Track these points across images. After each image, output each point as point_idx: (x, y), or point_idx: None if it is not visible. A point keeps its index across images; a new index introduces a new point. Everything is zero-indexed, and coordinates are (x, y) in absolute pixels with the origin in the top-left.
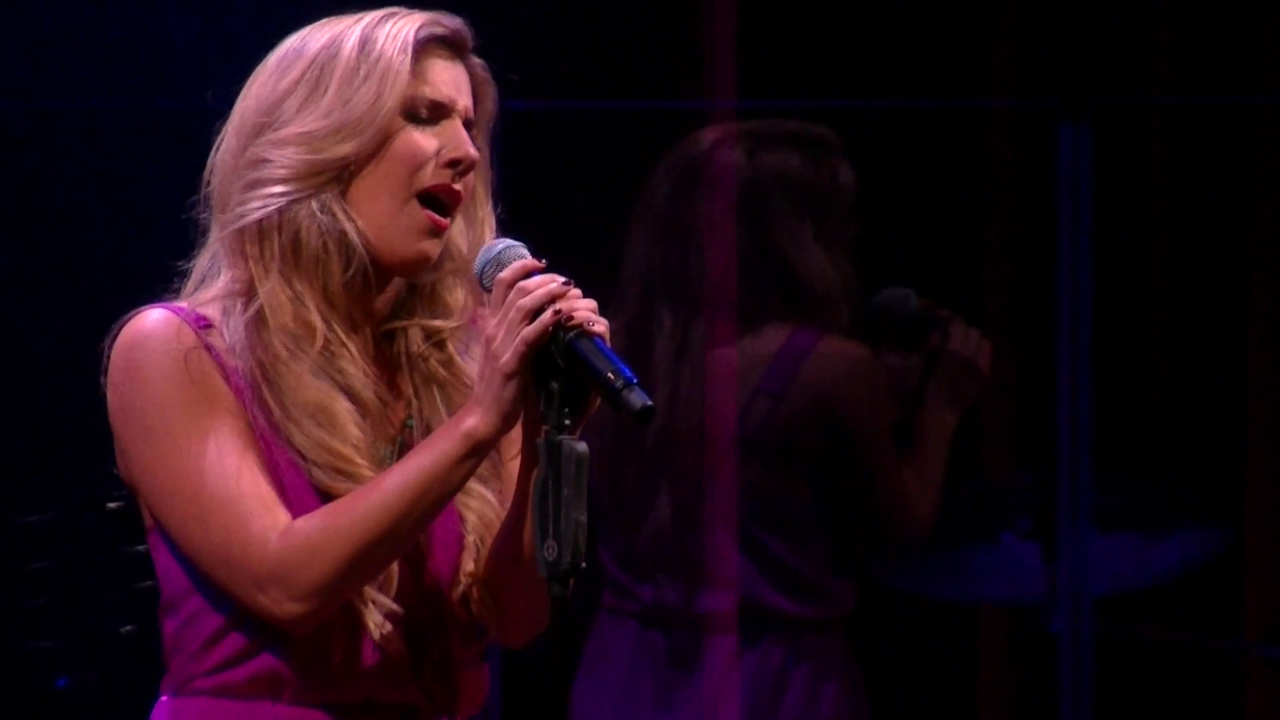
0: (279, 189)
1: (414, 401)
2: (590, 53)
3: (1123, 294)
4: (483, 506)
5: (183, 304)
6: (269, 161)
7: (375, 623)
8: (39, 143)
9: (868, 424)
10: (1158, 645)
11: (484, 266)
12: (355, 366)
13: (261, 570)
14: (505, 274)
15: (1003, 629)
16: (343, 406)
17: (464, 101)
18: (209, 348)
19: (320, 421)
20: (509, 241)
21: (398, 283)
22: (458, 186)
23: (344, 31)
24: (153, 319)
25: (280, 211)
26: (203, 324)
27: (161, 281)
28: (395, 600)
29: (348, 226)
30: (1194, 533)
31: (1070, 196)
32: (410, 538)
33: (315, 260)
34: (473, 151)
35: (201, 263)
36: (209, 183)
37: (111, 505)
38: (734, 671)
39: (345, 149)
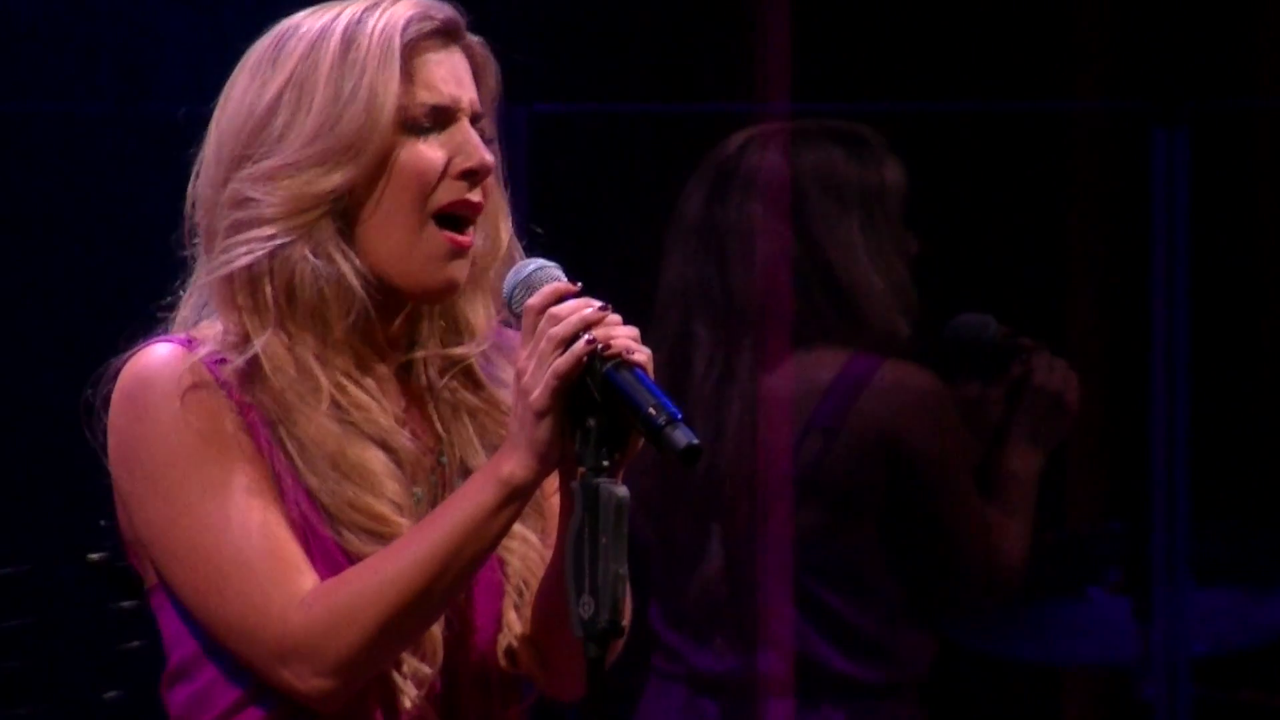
0: (266, 231)
1: (444, 436)
2: (642, 55)
3: (1223, 317)
4: (525, 549)
5: (193, 335)
6: (254, 200)
7: (407, 689)
8: (14, 147)
9: (940, 462)
10: (1262, 712)
11: (513, 290)
12: (382, 413)
13: (283, 644)
14: (535, 299)
15: (1090, 695)
16: (376, 459)
17: (469, 95)
18: (224, 385)
19: (351, 477)
20: (541, 262)
21: (411, 306)
22: (476, 198)
23: (323, 34)
24: (160, 354)
25: (270, 256)
26: (216, 359)
27: (148, 303)
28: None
29: (345, 268)
30: None
31: (1165, 208)
32: (447, 599)
33: (311, 309)
34: (488, 157)
35: (192, 302)
36: (191, 216)
37: (93, 557)
38: None
39: (336, 179)
